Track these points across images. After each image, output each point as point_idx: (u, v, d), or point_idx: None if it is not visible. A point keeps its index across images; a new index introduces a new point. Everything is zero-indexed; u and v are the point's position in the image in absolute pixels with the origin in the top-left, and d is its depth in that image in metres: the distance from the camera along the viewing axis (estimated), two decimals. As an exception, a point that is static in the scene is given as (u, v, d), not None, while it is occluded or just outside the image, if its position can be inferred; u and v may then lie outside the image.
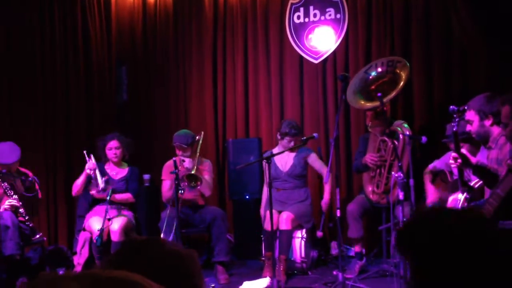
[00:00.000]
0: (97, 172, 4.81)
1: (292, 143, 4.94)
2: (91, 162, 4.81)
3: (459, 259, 1.17)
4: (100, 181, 4.79)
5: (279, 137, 5.06)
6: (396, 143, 4.61)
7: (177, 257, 1.16)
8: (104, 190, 4.76)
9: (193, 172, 4.77)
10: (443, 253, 1.18)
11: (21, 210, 4.57)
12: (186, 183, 4.72)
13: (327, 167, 4.55)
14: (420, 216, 1.31)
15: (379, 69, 4.90)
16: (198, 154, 4.97)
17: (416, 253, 1.23)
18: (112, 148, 4.95)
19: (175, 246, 1.21)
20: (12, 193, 4.58)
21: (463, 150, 3.57)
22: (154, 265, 1.12)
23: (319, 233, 5.00)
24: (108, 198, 4.64)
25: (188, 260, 1.17)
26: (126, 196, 4.97)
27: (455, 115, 3.44)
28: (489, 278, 1.16)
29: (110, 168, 5.05)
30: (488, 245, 1.19)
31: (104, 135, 5.09)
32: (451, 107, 3.47)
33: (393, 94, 4.73)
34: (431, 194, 4.41)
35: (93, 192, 4.90)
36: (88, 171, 4.80)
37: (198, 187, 4.84)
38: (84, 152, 4.87)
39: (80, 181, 4.87)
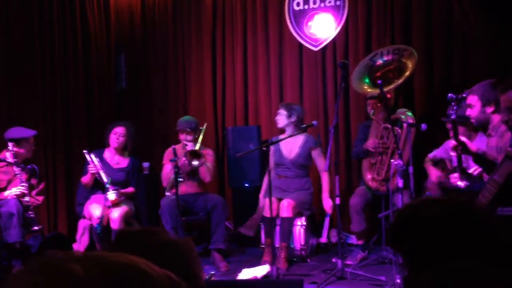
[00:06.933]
0: (101, 173, 4.82)
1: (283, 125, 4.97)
2: (94, 166, 4.81)
3: (445, 246, 1.20)
4: (106, 180, 4.78)
5: None
6: (399, 131, 4.60)
7: (173, 246, 1.16)
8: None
9: (196, 148, 4.81)
10: (430, 243, 1.21)
11: (27, 198, 4.58)
12: (187, 161, 4.74)
13: (326, 168, 4.57)
14: (402, 214, 1.33)
15: (385, 58, 4.86)
16: (200, 141, 4.98)
17: (405, 248, 1.26)
18: (117, 133, 4.99)
19: (170, 235, 1.21)
20: (24, 179, 4.60)
21: (463, 138, 3.59)
22: (150, 255, 1.12)
23: (323, 239, 5.09)
24: (107, 185, 4.65)
25: (184, 248, 1.17)
26: (130, 190, 5.02)
27: (453, 103, 3.48)
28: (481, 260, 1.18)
29: (110, 156, 5.05)
30: (473, 228, 1.21)
31: (111, 122, 5.17)
32: (449, 94, 3.52)
33: (399, 82, 4.70)
34: (434, 174, 4.42)
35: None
36: (93, 172, 4.84)
37: (200, 167, 4.87)
38: (84, 152, 4.88)
39: (87, 179, 4.90)
